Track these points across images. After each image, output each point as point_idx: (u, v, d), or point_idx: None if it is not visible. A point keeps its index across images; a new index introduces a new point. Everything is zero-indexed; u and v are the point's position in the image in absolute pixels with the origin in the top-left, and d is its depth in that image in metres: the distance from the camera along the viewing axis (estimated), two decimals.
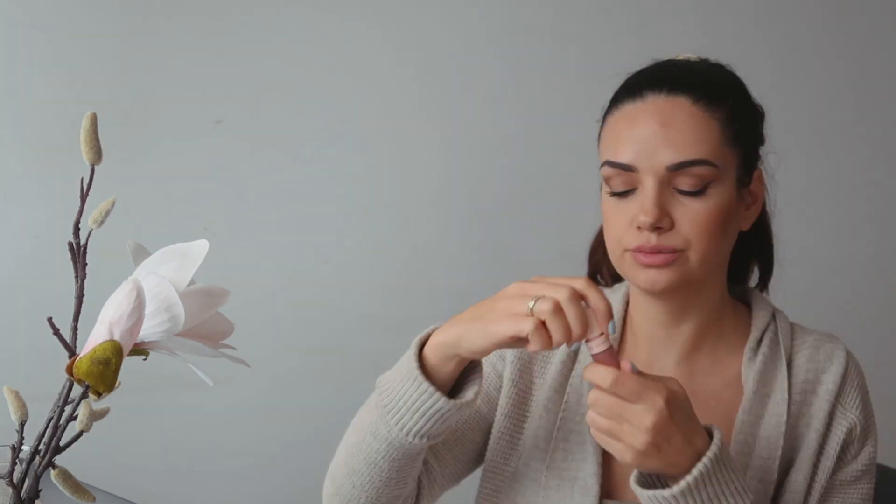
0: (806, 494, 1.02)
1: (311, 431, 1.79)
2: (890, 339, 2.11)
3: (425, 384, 0.92)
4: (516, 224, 2.01)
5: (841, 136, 2.11)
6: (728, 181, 0.99)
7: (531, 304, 0.87)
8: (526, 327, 0.87)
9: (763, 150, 1.09)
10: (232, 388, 1.83)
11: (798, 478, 1.02)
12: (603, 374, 0.88)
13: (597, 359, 0.89)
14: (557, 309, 0.86)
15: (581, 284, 0.89)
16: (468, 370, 0.97)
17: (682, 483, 0.88)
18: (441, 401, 0.92)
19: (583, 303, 0.88)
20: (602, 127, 1.05)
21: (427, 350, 0.94)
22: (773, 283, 1.16)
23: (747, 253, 1.14)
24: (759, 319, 1.08)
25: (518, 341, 0.89)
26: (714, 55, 1.09)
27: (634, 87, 1.02)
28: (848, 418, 1.03)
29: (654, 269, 0.98)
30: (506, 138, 2.00)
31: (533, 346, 0.87)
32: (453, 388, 0.97)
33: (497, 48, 1.98)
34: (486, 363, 1.08)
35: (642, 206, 0.97)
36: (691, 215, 0.97)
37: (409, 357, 0.95)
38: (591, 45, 2.00)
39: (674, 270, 0.98)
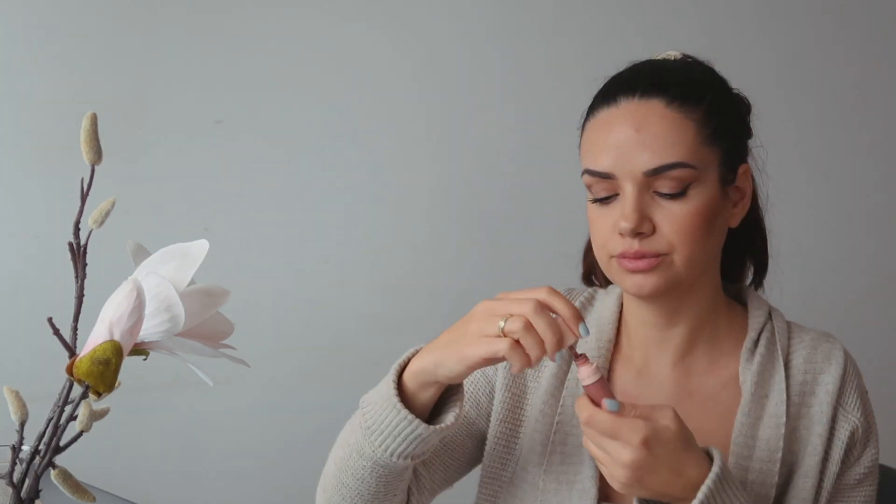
0: (814, 501, 1.01)
1: (310, 431, 1.79)
2: (890, 339, 2.10)
3: (404, 412, 0.93)
4: (516, 224, 2.01)
5: (841, 130, 2.11)
6: (710, 180, 0.98)
7: (501, 323, 0.88)
8: (501, 348, 0.87)
9: (751, 144, 1.07)
10: (232, 388, 1.84)
11: (806, 484, 1.01)
12: (580, 411, 0.89)
13: (587, 390, 0.90)
14: (528, 326, 0.87)
15: (544, 294, 0.89)
16: (449, 391, 0.98)
17: None
18: (420, 427, 0.93)
19: (553, 315, 0.89)
20: (581, 134, 1.04)
21: (405, 377, 0.95)
22: (770, 280, 1.15)
23: (741, 250, 1.13)
24: (755, 319, 1.07)
25: (492, 361, 0.89)
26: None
27: (609, 92, 1.01)
28: (850, 421, 1.02)
29: (640, 274, 0.97)
30: (505, 138, 2.00)
31: (514, 367, 0.87)
32: (435, 408, 0.98)
33: (497, 48, 1.99)
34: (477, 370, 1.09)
35: (623, 212, 0.97)
36: (673, 218, 0.96)
37: (388, 383, 0.95)
38: (592, 45, 2.00)
39: (659, 274, 0.97)
